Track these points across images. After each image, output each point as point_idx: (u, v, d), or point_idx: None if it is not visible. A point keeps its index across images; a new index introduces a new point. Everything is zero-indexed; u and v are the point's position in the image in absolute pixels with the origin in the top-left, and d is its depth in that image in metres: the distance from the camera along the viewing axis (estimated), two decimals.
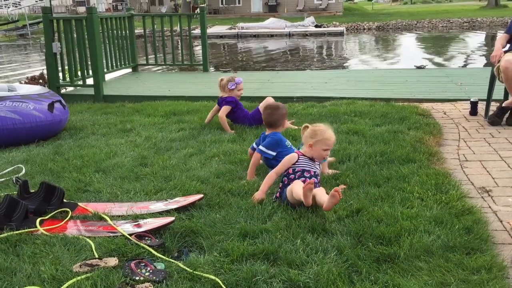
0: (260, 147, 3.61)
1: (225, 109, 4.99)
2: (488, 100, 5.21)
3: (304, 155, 3.12)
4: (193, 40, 10.74)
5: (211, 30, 28.74)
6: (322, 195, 2.83)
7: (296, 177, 3.06)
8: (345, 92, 6.68)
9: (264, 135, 3.75)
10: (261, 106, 4.97)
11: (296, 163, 3.08)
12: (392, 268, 2.33)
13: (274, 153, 3.57)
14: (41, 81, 7.76)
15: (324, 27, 29.15)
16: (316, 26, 28.97)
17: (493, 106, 5.15)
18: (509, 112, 4.90)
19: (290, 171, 3.10)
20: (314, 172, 3.11)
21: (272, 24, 28.98)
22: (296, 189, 2.87)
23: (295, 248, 2.51)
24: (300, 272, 2.30)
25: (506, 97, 5.01)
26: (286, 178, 3.12)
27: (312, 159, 3.12)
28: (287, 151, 3.51)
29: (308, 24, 29.15)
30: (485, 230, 2.66)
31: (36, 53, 21.58)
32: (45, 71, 7.44)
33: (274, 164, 3.40)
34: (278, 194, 3.10)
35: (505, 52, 4.97)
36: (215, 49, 22.26)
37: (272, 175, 3.11)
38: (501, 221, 2.84)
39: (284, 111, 3.76)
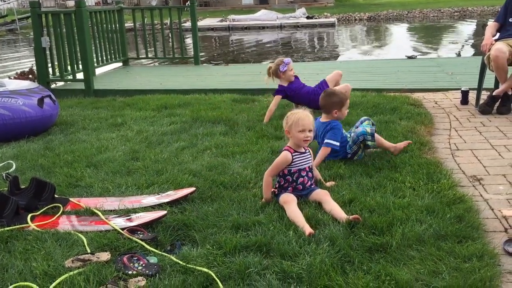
0: (327, 140, 3.61)
1: (276, 100, 4.99)
2: (479, 89, 5.22)
3: (296, 150, 3.04)
4: (184, 33, 10.67)
5: (202, 22, 28.57)
6: (336, 209, 2.78)
7: (294, 178, 3.02)
8: None
9: (318, 121, 3.75)
10: (328, 79, 5.07)
11: (292, 164, 3.00)
12: (384, 257, 2.34)
13: (338, 144, 3.60)
14: (30, 76, 7.68)
15: (316, 18, 29.07)
16: (308, 17, 28.88)
17: (484, 95, 5.17)
18: (499, 100, 4.92)
19: (286, 171, 3.02)
20: (309, 166, 3.08)
21: (264, 16, 28.84)
22: (290, 212, 2.77)
23: (288, 239, 2.51)
24: (293, 264, 2.30)
25: (496, 86, 5.03)
26: (282, 179, 3.04)
27: (302, 151, 3.07)
28: (343, 140, 3.65)
29: (300, 15, 29.04)
30: (476, 218, 2.68)
31: (25, 48, 21.37)
32: (34, 66, 7.38)
33: (339, 151, 3.62)
34: (276, 191, 3.06)
35: (496, 40, 4.99)
36: (206, 42, 22.15)
37: (268, 179, 3.01)
38: (492, 209, 2.86)
39: (337, 99, 3.71)
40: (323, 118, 3.77)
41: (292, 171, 3.02)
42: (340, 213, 2.73)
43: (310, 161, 3.09)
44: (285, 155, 3.01)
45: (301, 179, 3.03)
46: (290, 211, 2.78)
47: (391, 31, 24.74)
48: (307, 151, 3.10)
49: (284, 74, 5.01)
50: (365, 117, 3.85)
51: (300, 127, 2.99)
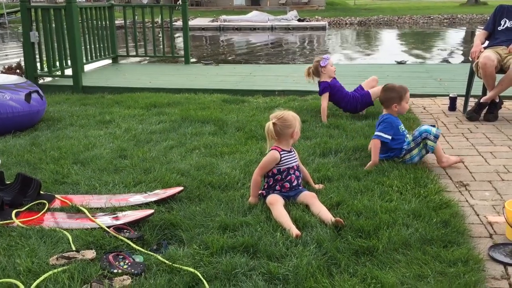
0: (376, 132, 3.61)
1: (325, 97, 4.93)
2: (467, 95, 5.28)
3: (283, 149, 3.05)
4: (175, 32, 10.63)
5: (193, 22, 28.50)
6: (324, 212, 2.78)
7: (283, 177, 3.02)
8: None
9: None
10: (364, 84, 5.08)
11: (280, 162, 3.01)
12: (371, 260, 2.35)
13: (390, 137, 3.57)
14: (18, 71, 7.58)
15: (307, 21, 29.16)
16: (299, 20, 28.96)
17: (472, 102, 5.22)
18: (486, 107, 4.97)
19: (275, 171, 3.03)
20: (296, 165, 3.10)
21: (255, 17, 28.85)
22: (277, 214, 2.76)
23: (275, 241, 2.51)
24: (279, 265, 2.30)
25: (484, 93, 5.08)
26: (271, 179, 3.05)
27: (289, 150, 3.09)
28: (400, 136, 3.62)
29: (291, 18, 29.09)
30: (462, 223, 2.70)
31: (13, 42, 21.14)
32: (22, 61, 7.30)
33: (391, 145, 3.60)
34: (264, 192, 3.06)
35: (484, 48, 5.04)
36: (197, 42, 22.10)
37: (257, 178, 3.03)
38: (477, 215, 2.89)
39: (396, 95, 3.68)
40: (383, 113, 3.77)
41: (281, 170, 3.03)
42: (327, 215, 2.74)
43: (296, 160, 3.11)
44: (273, 154, 3.02)
45: (289, 177, 3.04)
46: (277, 213, 2.77)
47: (381, 36, 24.91)
48: (292, 150, 3.14)
49: (325, 69, 4.97)
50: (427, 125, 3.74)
51: (300, 126, 3.10)
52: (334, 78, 5.09)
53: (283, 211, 2.79)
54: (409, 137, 3.65)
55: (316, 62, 5.02)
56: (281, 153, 3.03)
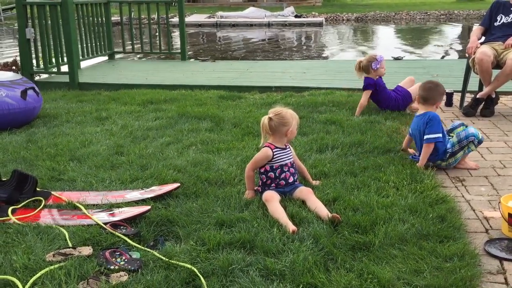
0: (426, 136, 3.43)
1: (366, 94, 4.88)
2: (463, 91, 5.29)
3: (277, 146, 3.03)
4: (171, 28, 10.62)
5: (190, 18, 28.40)
6: (320, 207, 2.78)
7: (277, 174, 3.01)
8: (324, 82, 6.69)
9: (418, 117, 3.61)
10: (402, 84, 5.07)
11: (273, 160, 3.00)
12: (367, 256, 2.36)
13: (440, 134, 3.44)
14: (14, 67, 7.56)
15: (304, 17, 29.12)
16: (296, 16, 28.91)
17: (468, 98, 5.23)
18: (483, 103, 4.98)
19: (268, 168, 3.02)
20: (291, 162, 3.09)
21: (252, 13, 28.77)
22: (273, 210, 2.76)
23: (272, 236, 2.51)
24: (276, 261, 2.30)
25: (480, 88, 5.09)
26: (264, 176, 3.04)
27: (283, 147, 3.07)
28: (444, 134, 3.51)
29: (288, 14, 29.03)
30: (458, 218, 2.71)
31: (9, 39, 21.04)
32: (18, 58, 7.27)
33: (438, 145, 3.43)
34: (259, 189, 3.06)
35: (481, 44, 5.04)
36: (194, 38, 22.04)
37: (249, 173, 3.04)
38: (473, 210, 2.90)
39: (442, 91, 3.64)
40: (420, 111, 3.63)
41: (274, 167, 3.02)
42: (324, 211, 2.74)
43: (291, 157, 3.10)
44: (265, 151, 3.02)
45: (283, 175, 3.03)
46: (273, 209, 2.77)
47: (378, 32, 24.89)
48: (288, 147, 3.12)
49: (376, 71, 4.95)
50: (460, 122, 3.68)
51: (297, 125, 3.08)
52: (380, 77, 5.01)
53: (279, 207, 2.79)
54: (454, 139, 3.50)
55: (368, 62, 4.92)
56: (274, 150, 3.02)
